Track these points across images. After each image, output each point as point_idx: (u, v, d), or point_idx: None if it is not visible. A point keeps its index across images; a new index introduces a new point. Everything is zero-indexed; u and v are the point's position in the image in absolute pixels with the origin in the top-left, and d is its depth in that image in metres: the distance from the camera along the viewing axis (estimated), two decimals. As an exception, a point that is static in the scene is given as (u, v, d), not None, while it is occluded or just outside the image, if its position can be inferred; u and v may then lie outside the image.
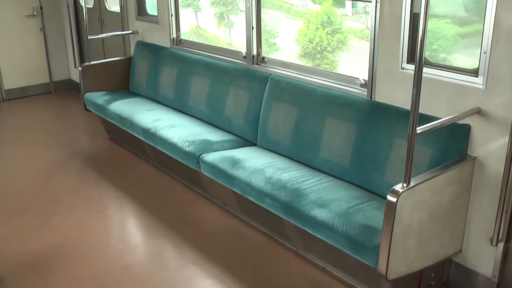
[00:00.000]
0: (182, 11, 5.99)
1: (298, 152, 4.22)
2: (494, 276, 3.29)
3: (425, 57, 3.29)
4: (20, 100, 8.15)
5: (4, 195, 5.01)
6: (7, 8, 7.83)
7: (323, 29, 5.48)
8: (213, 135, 4.76)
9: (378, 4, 3.62)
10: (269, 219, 4.01)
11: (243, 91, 4.81)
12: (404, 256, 3.01)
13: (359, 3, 4.99)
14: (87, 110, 6.23)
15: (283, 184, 3.70)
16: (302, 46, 5.78)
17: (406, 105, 3.47)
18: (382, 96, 3.76)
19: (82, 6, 6.45)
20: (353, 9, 5.19)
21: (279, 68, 4.68)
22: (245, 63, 5.00)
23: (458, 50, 3.54)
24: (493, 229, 3.19)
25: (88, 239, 4.23)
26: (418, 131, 2.79)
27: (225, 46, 5.39)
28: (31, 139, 6.53)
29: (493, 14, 2.97)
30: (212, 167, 4.22)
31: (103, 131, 6.48)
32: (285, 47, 5.66)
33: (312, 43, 5.63)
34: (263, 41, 4.91)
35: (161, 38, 6.14)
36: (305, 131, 4.17)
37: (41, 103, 8.09)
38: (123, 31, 6.80)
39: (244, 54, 5.01)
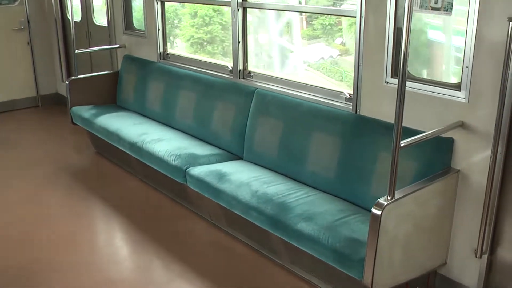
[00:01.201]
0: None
1: (284, 166, 4.24)
2: (479, 288, 3.32)
3: (408, 71, 3.34)
4: (7, 114, 8.11)
5: (-11, 209, 4.99)
6: (-6, 22, 7.83)
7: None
8: (200, 149, 4.77)
9: (363, 19, 3.66)
10: (255, 232, 4.02)
11: (230, 105, 4.83)
12: (389, 268, 3.02)
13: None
14: (74, 124, 6.21)
15: (269, 197, 3.72)
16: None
17: (391, 118, 3.48)
18: (367, 110, 3.80)
19: (69, 20, 6.46)
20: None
21: (265, 82, 4.71)
22: (232, 77, 5.02)
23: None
24: (477, 241, 3.22)
25: (74, 254, 4.21)
26: (402, 145, 2.82)
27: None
28: (18, 153, 6.50)
29: (475, 28, 3.03)
30: (199, 181, 4.22)
31: (90, 145, 6.47)
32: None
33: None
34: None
35: (148, 52, 6.16)
36: (291, 144, 4.19)
37: (28, 117, 8.07)
38: (110, 45, 6.81)
39: (231, 68, 5.04)
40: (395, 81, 3.52)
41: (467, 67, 3.12)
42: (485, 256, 3.24)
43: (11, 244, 4.36)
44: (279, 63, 6.10)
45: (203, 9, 6.62)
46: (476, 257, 3.25)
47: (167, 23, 6.00)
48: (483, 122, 3.11)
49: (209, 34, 6.73)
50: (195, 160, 4.53)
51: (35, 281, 3.84)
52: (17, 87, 8.25)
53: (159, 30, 5.92)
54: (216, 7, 6.26)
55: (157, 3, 5.81)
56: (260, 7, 5.05)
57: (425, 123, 3.37)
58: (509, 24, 2.82)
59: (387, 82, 3.60)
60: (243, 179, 4.03)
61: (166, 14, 5.97)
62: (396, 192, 2.89)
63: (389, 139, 3.10)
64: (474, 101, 3.14)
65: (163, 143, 4.89)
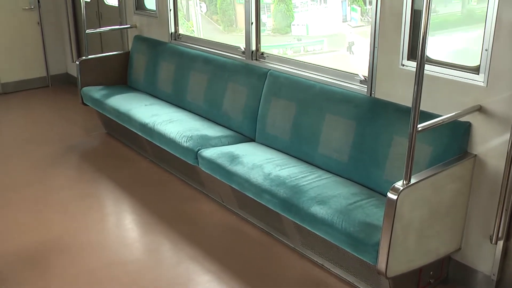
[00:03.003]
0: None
1: (296, 148, 4.21)
2: (494, 274, 3.28)
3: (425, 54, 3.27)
4: (17, 94, 8.11)
5: (0, 189, 4.98)
6: (4, 1, 7.78)
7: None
8: (211, 131, 4.74)
9: (379, 1, 3.59)
10: (267, 215, 3.99)
11: (242, 87, 4.78)
12: (404, 253, 2.99)
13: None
14: (84, 104, 6.20)
15: (282, 180, 3.68)
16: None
17: (406, 102, 3.46)
18: (382, 92, 3.74)
19: (79, 0, 6.41)
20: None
21: (278, 63, 4.66)
22: (244, 58, 4.97)
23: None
24: (492, 227, 3.18)
25: (84, 235, 4.21)
26: (419, 129, 2.77)
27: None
28: (28, 133, 6.50)
29: (495, 11, 2.96)
30: (211, 162, 4.20)
31: (100, 126, 6.45)
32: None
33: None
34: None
35: (159, 32, 6.10)
36: (304, 127, 4.15)
37: (38, 97, 8.05)
38: (121, 25, 6.76)
39: (243, 49, 4.98)
40: (411, 63, 3.47)
41: (486, 50, 3.05)
42: (501, 242, 3.20)
43: (21, 225, 4.36)
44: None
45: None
46: (491, 243, 3.21)
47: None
48: (502, 106, 3.05)
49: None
50: (207, 141, 4.50)
51: (45, 263, 3.84)
52: (27, 67, 8.24)
53: (170, 10, 5.86)
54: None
55: (168, -18, 5.76)
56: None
57: (441, 106, 3.31)
58: (531, 5, 2.76)
59: (403, 65, 3.54)
60: (256, 161, 4.00)
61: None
62: (412, 176, 2.85)
63: (404, 122, 3.06)
64: (493, 85, 3.07)
65: (175, 124, 4.86)
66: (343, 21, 5.70)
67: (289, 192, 3.55)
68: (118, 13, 6.84)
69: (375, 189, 3.62)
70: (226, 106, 4.94)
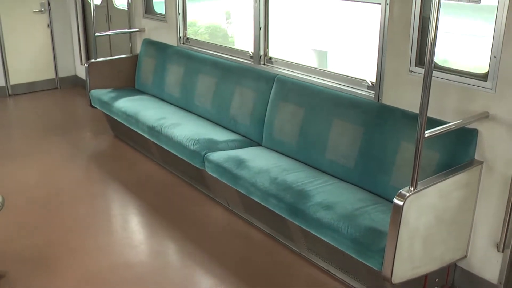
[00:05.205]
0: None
1: (303, 153, 4.20)
2: (500, 283, 3.27)
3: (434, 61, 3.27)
4: (26, 96, 8.16)
5: (8, 190, 4.98)
6: (15, 4, 7.84)
7: None
8: (219, 135, 4.75)
9: (388, 6, 3.60)
10: (273, 219, 3.99)
11: (249, 91, 4.79)
12: (409, 260, 2.98)
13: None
14: (93, 107, 6.22)
15: (288, 185, 3.68)
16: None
17: (414, 108, 3.45)
18: (390, 98, 3.74)
19: (89, 3, 6.45)
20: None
21: (286, 68, 4.66)
22: (252, 62, 4.98)
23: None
24: (499, 235, 3.17)
25: (91, 236, 4.22)
26: (426, 135, 2.77)
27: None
28: (36, 135, 6.53)
29: (504, 17, 2.95)
30: (217, 166, 4.20)
31: (108, 128, 6.47)
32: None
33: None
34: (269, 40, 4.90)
35: (168, 36, 6.12)
36: (311, 132, 4.15)
37: (47, 99, 8.10)
38: (130, 28, 6.79)
39: (251, 53, 4.99)
40: (420, 70, 3.46)
41: (495, 56, 3.04)
42: (508, 250, 3.19)
43: (27, 226, 4.38)
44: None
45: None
46: (498, 251, 3.20)
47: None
48: (509, 113, 3.04)
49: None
50: (214, 145, 4.51)
51: (52, 264, 3.86)
52: (37, 69, 8.30)
53: (179, 14, 5.88)
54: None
55: (178, -14, 5.78)
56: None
57: (449, 113, 3.31)
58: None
59: (411, 71, 3.54)
60: (262, 165, 4.00)
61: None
62: (418, 183, 2.84)
63: (412, 128, 3.05)
64: (501, 92, 3.06)
65: (182, 127, 4.87)
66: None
67: (295, 197, 3.55)
68: (127, 17, 6.86)
69: (381, 195, 3.61)
70: (233, 110, 4.94)
